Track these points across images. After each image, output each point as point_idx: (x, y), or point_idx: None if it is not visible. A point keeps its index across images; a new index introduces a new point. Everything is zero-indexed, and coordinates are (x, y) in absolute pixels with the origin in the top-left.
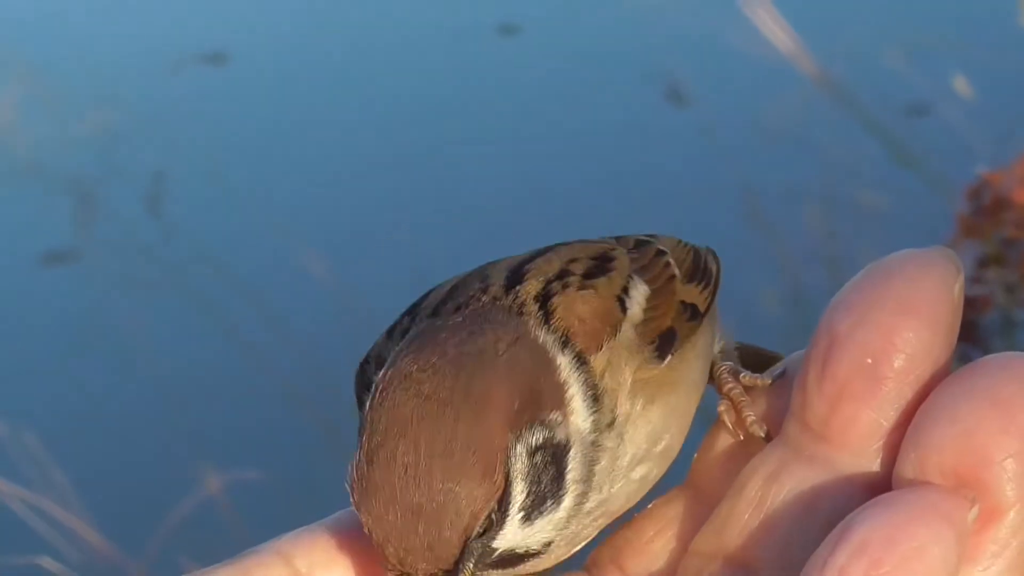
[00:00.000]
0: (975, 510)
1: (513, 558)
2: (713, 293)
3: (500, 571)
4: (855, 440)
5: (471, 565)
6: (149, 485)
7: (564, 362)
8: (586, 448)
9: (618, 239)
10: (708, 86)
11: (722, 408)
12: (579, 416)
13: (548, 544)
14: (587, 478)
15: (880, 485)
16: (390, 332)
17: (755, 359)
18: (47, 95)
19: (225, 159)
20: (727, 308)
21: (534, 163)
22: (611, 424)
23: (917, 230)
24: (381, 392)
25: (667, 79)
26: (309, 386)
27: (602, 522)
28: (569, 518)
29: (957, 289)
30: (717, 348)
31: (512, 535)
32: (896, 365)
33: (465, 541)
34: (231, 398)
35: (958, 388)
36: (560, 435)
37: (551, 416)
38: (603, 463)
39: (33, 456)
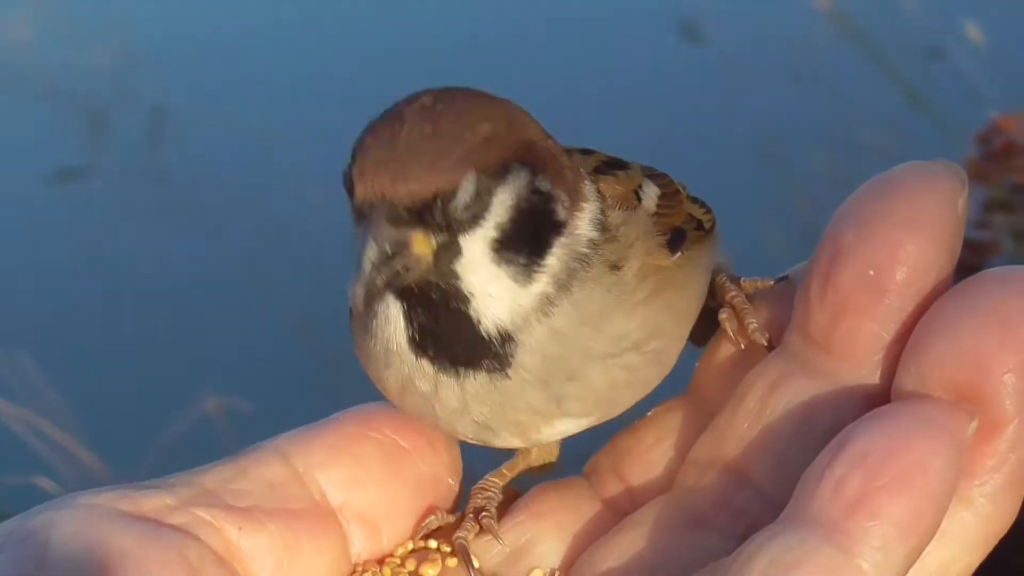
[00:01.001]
0: (974, 424)
1: (465, 318)
2: (714, 221)
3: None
4: (856, 352)
5: (437, 215)
6: (145, 407)
7: (590, 187)
8: (577, 255)
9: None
10: (722, 22)
11: (724, 316)
12: (582, 221)
13: (504, 322)
14: (567, 283)
15: (880, 397)
16: None
17: None
18: (62, 19)
19: (235, 86)
20: (737, 246)
21: (544, 99)
22: (616, 267)
23: None
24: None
25: (681, 15)
26: (313, 318)
27: (582, 394)
28: (538, 313)
29: (961, 203)
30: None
31: (480, 253)
32: (899, 278)
33: (436, 192)
34: (232, 324)
35: (959, 302)
36: (553, 205)
37: (549, 185)
38: (592, 291)
39: (30, 376)
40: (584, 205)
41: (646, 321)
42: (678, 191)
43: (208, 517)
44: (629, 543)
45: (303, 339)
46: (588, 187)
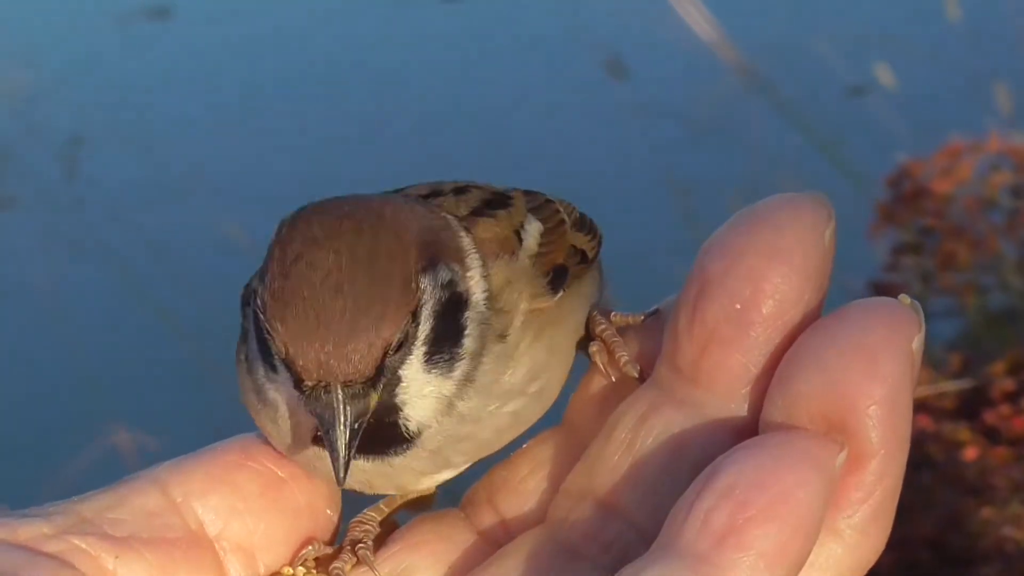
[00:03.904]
0: (843, 455)
1: (393, 424)
2: (599, 246)
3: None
4: (724, 384)
5: (381, 385)
6: (49, 441)
7: (467, 241)
8: (481, 321)
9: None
10: (638, 75)
11: (594, 349)
12: (476, 284)
13: (427, 420)
14: (476, 357)
15: (748, 429)
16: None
17: None
18: None
19: (147, 120)
20: (646, 293)
21: (472, 126)
22: (503, 336)
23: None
24: (289, 224)
25: (609, 53)
26: (221, 353)
27: (468, 450)
28: (452, 400)
29: (828, 235)
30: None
31: (415, 371)
32: (765, 311)
33: (385, 350)
34: (141, 360)
35: (825, 334)
36: (461, 286)
37: (453, 265)
38: (487, 365)
39: None
40: (468, 263)
41: (530, 367)
42: (563, 221)
43: (84, 546)
44: (502, 575)
45: (211, 375)
46: (465, 240)
